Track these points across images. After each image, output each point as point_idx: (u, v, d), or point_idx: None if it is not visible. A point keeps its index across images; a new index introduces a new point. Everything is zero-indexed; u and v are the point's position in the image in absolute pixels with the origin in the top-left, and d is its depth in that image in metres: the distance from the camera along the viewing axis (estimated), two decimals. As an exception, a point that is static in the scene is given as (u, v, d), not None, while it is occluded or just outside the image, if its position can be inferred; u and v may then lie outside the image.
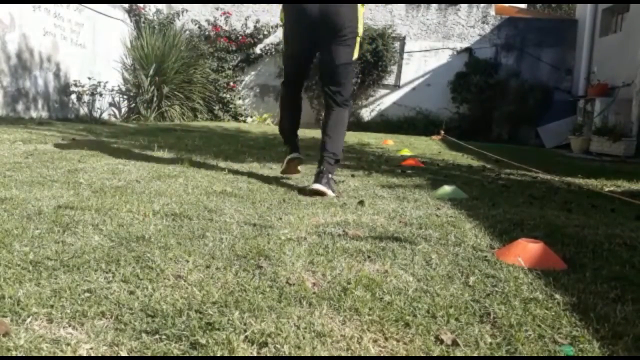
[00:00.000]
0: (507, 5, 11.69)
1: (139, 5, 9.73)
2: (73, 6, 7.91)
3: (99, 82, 8.14)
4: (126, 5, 9.50)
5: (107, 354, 1.00)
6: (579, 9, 10.95)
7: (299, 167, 3.35)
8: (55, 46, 7.58)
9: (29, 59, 7.07)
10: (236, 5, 11.16)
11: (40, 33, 7.21)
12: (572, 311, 1.32)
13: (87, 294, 1.24)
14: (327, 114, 2.99)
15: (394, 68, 10.89)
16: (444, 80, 10.77)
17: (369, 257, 1.68)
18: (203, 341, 1.05)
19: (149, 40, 9.18)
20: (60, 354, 0.99)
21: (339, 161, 2.98)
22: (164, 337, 1.07)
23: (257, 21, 11.07)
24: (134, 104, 9.21)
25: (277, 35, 10.89)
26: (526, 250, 1.72)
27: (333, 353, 1.06)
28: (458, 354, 1.09)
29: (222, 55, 10.87)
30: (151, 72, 8.97)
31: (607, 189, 3.75)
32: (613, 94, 8.36)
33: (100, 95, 8.30)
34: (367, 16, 10.96)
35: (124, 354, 1.01)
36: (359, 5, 2.87)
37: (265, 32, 11.12)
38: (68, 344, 1.02)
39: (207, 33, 10.98)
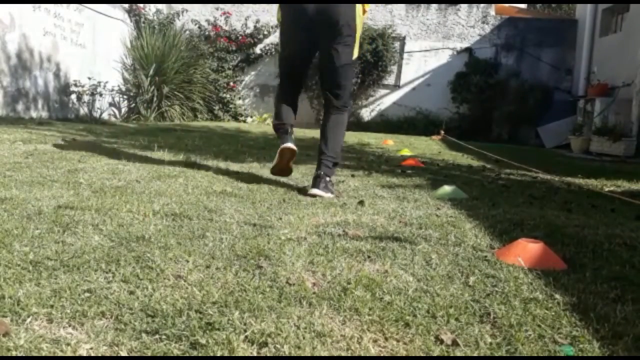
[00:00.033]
0: (507, 5, 11.69)
1: (139, 5, 9.73)
2: (73, 6, 7.91)
3: (99, 82, 8.15)
4: (126, 5, 9.50)
5: (107, 354, 1.00)
6: (579, 9, 10.95)
7: (291, 164, 3.08)
8: (55, 46, 7.58)
9: (29, 59, 7.07)
10: (236, 5, 11.16)
11: (40, 33, 7.21)
12: (572, 311, 1.32)
13: (87, 294, 1.24)
14: (326, 116, 2.97)
15: (394, 68, 10.89)
16: (444, 80, 10.77)
17: (369, 257, 1.68)
18: (203, 341, 1.05)
19: (149, 40, 9.18)
20: (60, 354, 0.99)
21: (337, 164, 2.98)
22: (164, 337, 1.07)
23: (257, 21, 11.07)
24: (134, 104, 9.21)
25: (277, 35, 10.85)
26: (526, 250, 1.72)
27: (333, 353, 1.06)
28: (458, 354, 1.09)
29: (222, 55, 10.87)
30: (151, 72, 8.97)
31: (607, 189, 3.75)
32: (613, 94, 8.36)
33: (100, 95, 8.30)
34: (367, 16, 10.96)
35: (124, 354, 1.01)
36: (358, 5, 2.86)
37: (265, 32, 11.12)
38: (68, 344, 1.02)
39: (207, 33, 10.98)
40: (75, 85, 7.91)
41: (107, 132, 5.71)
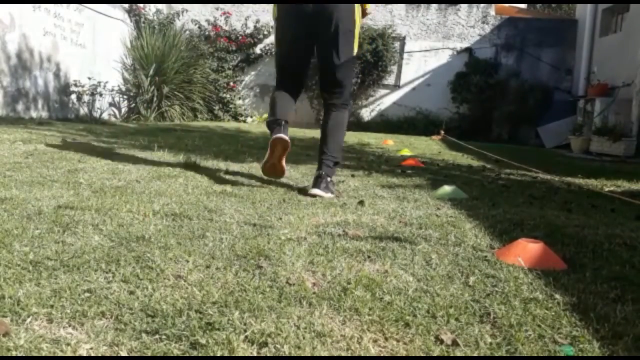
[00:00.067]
0: (507, 5, 11.69)
1: (139, 5, 9.73)
2: (73, 6, 7.91)
3: (99, 82, 8.15)
4: (126, 5, 9.50)
5: (107, 354, 1.00)
6: (579, 9, 10.95)
7: (284, 163, 2.86)
8: (55, 46, 7.58)
9: (29, 59, 7.07)
10: (236, 5, 11.16)
11: (40, 33, 7.21)
12: (572, 311, 1.32)
13: (87, 294, 1.24)
14: (327, 115, 2.94)
15: (394, 68, 10.89)
16: (444, 80, 10.77)
17: (369, 257, 1.68)
18: (203, 341, 1.05)
19: (149, 40, 9.19)
20: (60, 354, 0.99)
21: (338, 164, 2.95)
22: (164, 337, 1.07)
23: (257, 21, 11.07)
24: (134, 104, 9.21)
25: (277, 35, 10.90)
26: (526, 250, 1.72)
27: (333, 353, 1.06)
28: (458, 354, 1.09)
29: (222, 55, 10.87)
30: (151, 72, 8.97)
31: (607, 189, 3.75)
32: (613, 94, 8.36)
33: (100, 95, 8.30)
34: (367, 16, 10.95)
35: (124, 354, 1.01)
36: (357, 5, 2.84)
37: (265, 32, 11.13)
38: (68, 344, 1.02)
39: (207, 33, 10.98)
40: (75, 85, 7.91)
41: (107, 132, 5.71)
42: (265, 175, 2.96)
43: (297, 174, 3.48)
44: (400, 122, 10.68)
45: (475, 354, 1.09)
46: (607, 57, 9.04)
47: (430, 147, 7.13)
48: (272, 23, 10.97)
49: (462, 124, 10.37)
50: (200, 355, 1.02)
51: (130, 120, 8.79)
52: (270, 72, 11.04)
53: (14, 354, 0.98)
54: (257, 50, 11.19)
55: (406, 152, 5.77)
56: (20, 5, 6.75)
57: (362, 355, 1.07)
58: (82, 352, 1.00)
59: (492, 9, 10.91)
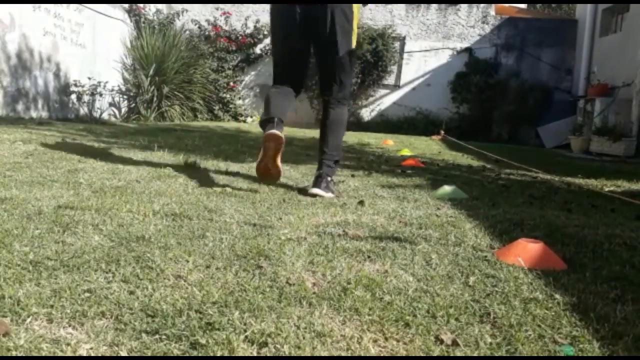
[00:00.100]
0: (507, 5, 11.69)
1: (139, 5, 9.73)
2: (73, 6, 7.91)
3: (99, 82, 8.15)
4: (126, 5, 9.50)
5: (107, 354, 1.00)
6: (579, 9, 10.95)
7: (279, 164, 2.62)
8: (55, 46, 7.58)
9: (29, 59, 7.07)
10: (236, 5, 11.16)
11: (40, 33, 7.21)
12: (572, 311, 1.32)
13: (87, 294, 1.24)
14: (325, 113, 2.89)
15: (394, 68, 10.89)
16: (444, 80, 10.78)
17: (369, 257, 1.68)
18: (203, 341, 1.05)
19: (149, 40, 9.19)
20: (60, 354, 0.99)
21: (338, 162, 2.94)
22: (164, 337, 1.07)
23: (257, 21, 11.07)
24: (134, 104, 9.21)
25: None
26: (526, 250, 1.72)
27: (333, 353, 1.06)
28: (458, 354, 1.09)
29: (222, 55, 10.87)
30: (151, 72, 8.97)
31: (607, 189, 3.75)
32: (613, 94, 8.36)
33: (100, 95, 8.30)
34: (367, 16, 10.97)
35: (124, 354, 1.01)
36: None
37: (265, 32, 11.12)
38: (68, 344, 1.02)
39: (207, 33, 10.98)
40: (75, 85, 7.91)
41: (107, 132, 5.71)
42: (260, 179, 2.71)
43: (297, 174, 3.48)
44: (400, 122, 10.69)
45: (475, 354, 1.09)
46: (607, 57, 9.04)
47: (430, 147, 7.13)
48: (271, 23, 10.98)
49: (462, 124, 10.37)
50: (200, 355, 1.02)
51: (130, 120, 8.79)
52: (271, 72, 10.96)
53: (14, 354, 0.98)
54: (257, 50, 11.19)
55: (406, 152, 5.77)
56: (20, 5, 6.75)
57: (362, 355, 1.07)
58: (82, 352, 1.00)
59: (492, 9, 10.91)
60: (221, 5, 11.07)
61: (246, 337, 1.08)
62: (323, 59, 2.83)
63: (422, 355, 1.08)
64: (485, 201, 2.85)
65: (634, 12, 8.47)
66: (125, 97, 9.35)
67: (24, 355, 0.98)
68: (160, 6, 10.32)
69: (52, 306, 1.17)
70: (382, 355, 1.08)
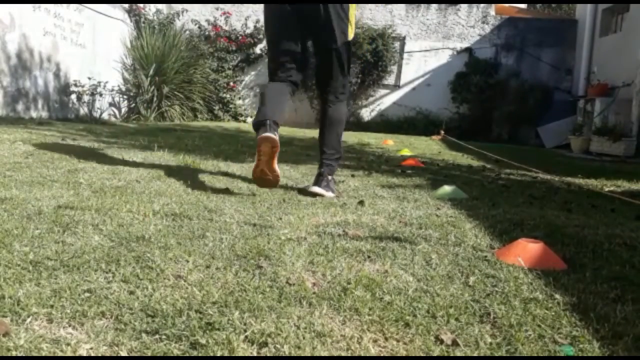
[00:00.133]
0: (507, 5, 11.70)
1: (139, 5, 9.73)
2: (73, 6, 7.91)
3: (99, 82, 8.15)
4: (126, 5, 9.50)
5: (107, 354, 1.00)
6: (579, 9, 10.95)
7: (276, 167, 2.51)
8: (55, 46, 7.58)
9: (29, 59, 7.07)
10: (236, 5, 11.17)
11: (40, 33, 7.21)
12: (572, 311, 1.32)
13: (87, 294, 1.24)
14: (324, 111, 2.85)
15: (394, 68, 10.90)
16: (444, 80, 10.78)
17: (369, 257, 1.68)
18: (203, 341, 1.05)
19: (149, 40, 9.19)
20: (60, 354, 0.99)
21: (340, 158, 2.92)
22: (164, 337, 1.07)
23: (257, 21, 11.07)
24: (134, 104, 9.21)
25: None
26: (526, 250, 1.72)
27: (333, 353, 1.06)
28: (458, 354, 1.09)
29: (222, 55, 10.88)
30: (151, 72, 8.97)
31: (607, 189, 3.75)
32: (613, 94, 8.36)
33: (100, 95, 8.30)
34: (367, 16, 10.97)
35: (124, 354, 1.01)
36: None
37: (265, 32, 11.12)
38: (68, 344, 1.02)
39: (207, 33, 10.99)
40: (75, 85, 7.91)
41: (107, 132, 5.71)
42: (258, 185, 2.60)
43: (297, 174, 3.48)
44: (400, 122, 10.69)
45: (475, 354, 1.09)
46: (607, 57, 9.05)
47: (430, 147, 7.13)
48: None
49: (462, 124, 10.38)
50: (200, 355, 1.02)
51: (130, 120, 8.79)
52: (270, 72, 11.05)
53: (14, 354, 0.98)
54: (257, 50, 11.19)
55: (406, 152, 5.78)
56: (20, 5, 6.75)
57: (362, 355, 1.07)
58: (82, 352, 1.00)
59: (492, 9, 10.91)
60: (221, 5, 11.07)
61: (246, 337, 1.08)
62: (319, 44, 2.75)
63: (422, 355, 1.08)
64: (485, 201, 2.85)
65: (634, 12, 8.47)
66: (125, 97, 9.35)
67: (24, 355, 0.98)
68: (160, 6, 10.32)
69: (52, 306, 1.17)
70: (382, 355, 1.08)
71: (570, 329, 1.22)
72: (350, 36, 2.74)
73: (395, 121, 10.73)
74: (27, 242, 1.59)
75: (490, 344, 1.13)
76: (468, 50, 10.80)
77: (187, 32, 10.49)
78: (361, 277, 1.45)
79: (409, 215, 2.34)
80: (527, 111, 10.17)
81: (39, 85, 7.33)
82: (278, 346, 1.06)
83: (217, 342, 1.05)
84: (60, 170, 2.94)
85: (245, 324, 1.13)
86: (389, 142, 7.17)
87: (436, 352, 1.09)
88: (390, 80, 10.95)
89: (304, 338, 1.10)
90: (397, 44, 10.89)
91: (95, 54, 8.63)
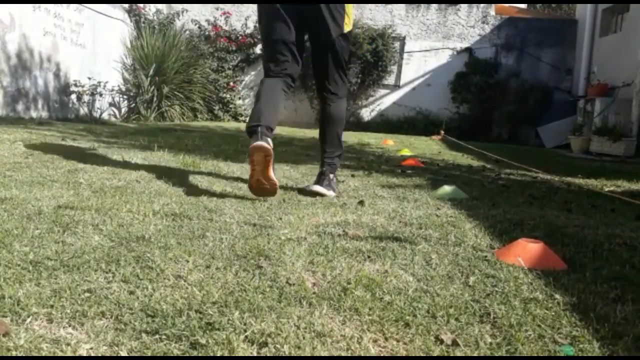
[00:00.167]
0: (507, 5, 11.70)
1: (139, 5, 9.73)
2: (73, 6, 7.91)
3: (99, 82, 8.15)
4: (126, 5, 9.50)
5: (107, 354, 1.00)
6: (579, 9, 10.95)
7: (273, 175, 2.40)
8: (55, 46, 7.58)
9: (29, 59, 7.07)
10: (236, 5, 11.17)
11: (40, 33, 7.21)
12: (572, 311, 1.32)
13: (87, 294, 1.24)
14: (323, 110, 2.83)
15: (394, 68, 10.90)
16: (444, 80, 10.78)
17: (369, 257, 1.68)
18: (203, 341, 1.05)
19: (149, 40, 9.19)
20: (60, 354, 0.99)
21: (341, 155, 2.92)
22: (164, 337, 1.07)
23: (257, 21, 11.06)
24: (134, 104, 9.21)
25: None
26: (526, 250, 1.72)
27: (333, 353, 1.06)
28: (458, 354, 1.09)
29: (222, 55, 10.88)
30: (151, 72, 8.97)
31: (607, 189, 3.75)
32: (613, 94, 8.36)
33: (100, 95, 8.30)
34: (367, 16, 10.97)
35: (124, 354, 1.01)
36: None
37: (266, 32, 11.12)
38: (68, 344, 1.02)
39: (207, 33, 10.99)
40: (75, 85, 7.91)
41: (107, 132, 5.71)
42: (255, 194, 2.47)
43: (297, 174, 3.48)
44: (400, 122, 10.69)
45: (475, 354, 1.09)
46: (607, 57, 9.05)
47: (430, 147, 7.13)
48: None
49: (462, 124, 10.38)
50: (200, 355, 1.02)
51: (130, 120, 8.79)
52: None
53: (14, 354, 0.98)
54: (257, 50, 11.18)
55: (406, 152, 5.78)
56: (20, 5, 6.75)
57: (362, 355, 1.07)
58: (82, 352, 1.00)
59: (492, 9, 10.91)
60: (221, 5, 11.07)
61: (246, 337, 1.08)
62: (314, 44, 2.73)
63: (422, 355, 1.08)
64: (485, 201, 2.85)
65: (634, 12, 8.47)
66: (125, 97, 9.35)
67: (24, 355, 0.98)
68: (160, 6, 10.32)
69: (52, 306, 1.17)
70: (382, 355, 1.08)
71: (570, 329, 1.22)
72: (347, 28, 2.68)
73: (395, 121, 10.73)
74: (27, 242, 1.59)
75: (490, 344, 1.13)
76: (468, 50, 10.80)
77: (187, 32, 10.49)
78: (361, 277, 1.45)
79: (409, 215, 2.34)
80: (527, 111, 10.17)
81: (39, 85, 7.33)
82: (278, 346, 1.06)
83: (217, 342, 1.05)
84: (60, 170, 2.94)
85: (245, 324, 1.13)
86: (389, 142, 7.17)
87: (436, 352, 1.09)
88: (390, 80, 10.95)
89: (304, 338, 1.10)
90: (397, 44, 10.89)
91: (95, 54, 8.63)
